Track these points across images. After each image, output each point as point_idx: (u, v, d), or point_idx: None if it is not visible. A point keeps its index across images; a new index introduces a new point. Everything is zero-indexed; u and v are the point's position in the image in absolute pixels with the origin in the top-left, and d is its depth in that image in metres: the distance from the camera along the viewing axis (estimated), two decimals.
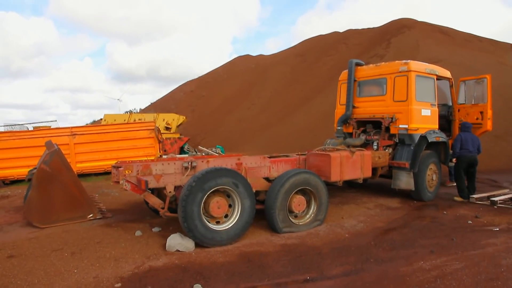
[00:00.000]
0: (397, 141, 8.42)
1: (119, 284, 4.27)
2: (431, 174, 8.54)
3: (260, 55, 41.19)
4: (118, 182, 5.83)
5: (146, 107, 37.36)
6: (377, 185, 10.35)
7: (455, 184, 10.30)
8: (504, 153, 14.22)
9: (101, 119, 20.75)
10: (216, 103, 32.65)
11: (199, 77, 40.07)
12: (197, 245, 5.42)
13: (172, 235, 5.48)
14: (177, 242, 5.38)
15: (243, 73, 36.13)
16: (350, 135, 9.45)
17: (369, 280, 4.25)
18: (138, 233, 6.10)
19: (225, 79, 36.52)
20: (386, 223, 6.73)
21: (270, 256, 5.09)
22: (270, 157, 7.12)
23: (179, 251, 5.30)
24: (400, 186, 8.23)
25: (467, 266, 4.54)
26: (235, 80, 35.43)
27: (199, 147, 17.74)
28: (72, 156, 12.54)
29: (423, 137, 8.24)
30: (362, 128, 9.30)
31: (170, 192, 5.85)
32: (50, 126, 23.78)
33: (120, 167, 5.87)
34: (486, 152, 14.14)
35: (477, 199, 8.30)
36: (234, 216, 5.75)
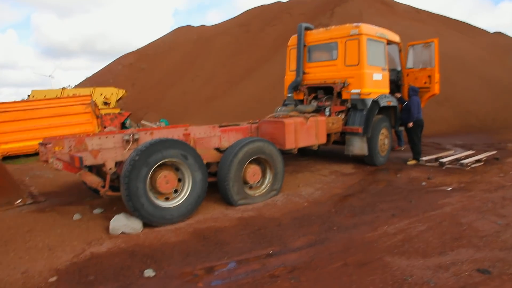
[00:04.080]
0: (350, 106, 8.25)
1: (55, 278, 3.66)
2: (383, 138, 8.53)
3: (202, 26, 39.55)
4: (47, 161, 5.06)
5: (81, 82, 34.66)
6: (328, 152, 10.25)
7: (403, 148, 10.55)
8: (443, 118, 14.85)
9: (29, 95, 18.78)
10: (157, 76, 31.06)
11: (138, 49, 37.80)
12: (145, 225, 4.88)
13: (116, 216, 4.87)
14: (122, 223, 4.79)
15: (185, 45, 34.58)
16: (301, 102, 9.14)
17: (335, 250, 3.99)
18: (76, 216, 5.39)
19: (166, 51, 34.76)
20: (343, 189, 6.58)
21: (227, 232, 4.69)
22: (220, 127, 6.62)
23: (124, 233, 4.72)
24: (353, 151, 8.11)
25: (431, 228, 4.44)
26: (176, 52, 33.84)
27: (142, 121, 16.76)
28: None
29: (375, 102, 8.14)
30: (313, 95, 9.01)
31: (110, 169, 5.18)
32: None
33: (48, 144, 5.07)
34: (428, 117, 14.61)
35: (426, 161, 8.44)
36: (184, 191, 5.24)
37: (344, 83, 8.18)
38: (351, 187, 6.68)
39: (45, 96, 16.97)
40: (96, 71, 37.08)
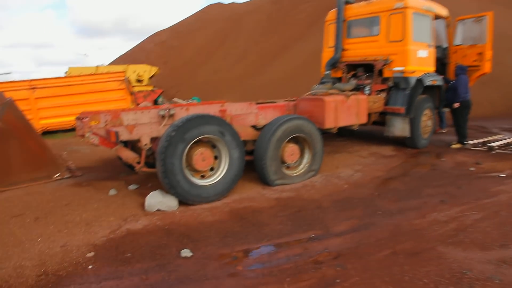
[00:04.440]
0: (392, 85, 7.79)
1: (92, 253, 3.61)
2: (426, 120, 8.06)
3: (233, 3, 38.95)
4: (84, 135, 5.02)
5: (114, 60, 35.14)
6: (365, 133, 9.85)
7: (445, 130, 9.99)
8: (488, 100, 13.95)
9: (66, 72, 19.13)
10: (189, 53, 30.97)
11: (170, 27, 37.81)
12: (181, 202, 4.77)
13: (151, 193, 4.79)
14: (158, 200, 4.71)
15: (216, 22, 34.21)
16: (339, 80, 8.75)
17: (382, 236, 3.74)
18: (112, 192, 5.37)
19: (198, 29, 34.54)
20: (384, 171, 6.25)
21: (265, 213, 4.51)
22: (257, 104, 6.39)
23: (160, 210, 4.64)
24: (394, 133, 7.70)
25: (487, 217, 4.09)
26: (208, 30, 33.55)
27: (174, 99, 16.70)
28: (34, 112, 11.40)
29: (419, 81, 7.65)
30: (352, 72, 8.58)
31: (145, 144, 5.08)
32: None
33: (85, 118, 5.02)
34: (472, 99, 13.88)
35: (472, 145, 7.92)
36: (221, 169, 5.09)
37: (386, 60, 7.73)
38: (393, 170, 6.34)
39: (81, 73, 17.22)
40: (129, 49, 37.42)
